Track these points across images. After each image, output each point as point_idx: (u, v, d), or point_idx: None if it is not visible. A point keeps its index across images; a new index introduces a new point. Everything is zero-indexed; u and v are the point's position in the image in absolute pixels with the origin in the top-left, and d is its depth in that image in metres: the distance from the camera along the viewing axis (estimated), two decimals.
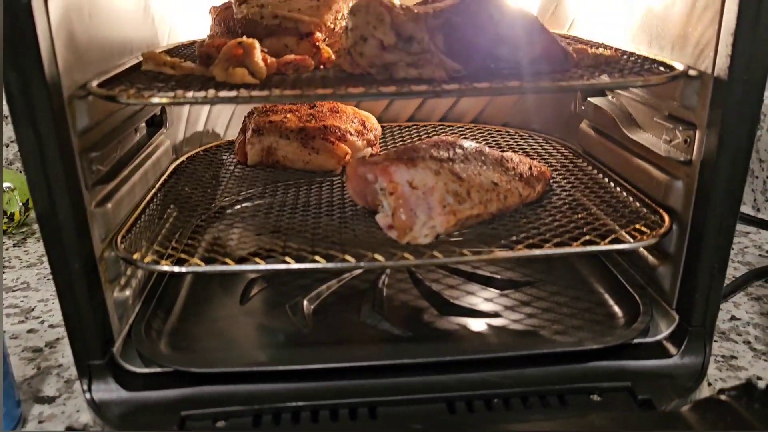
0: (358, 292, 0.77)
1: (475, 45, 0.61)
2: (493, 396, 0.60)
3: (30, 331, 0.84)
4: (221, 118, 1.04)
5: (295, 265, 0.59)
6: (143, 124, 0.79)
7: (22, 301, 0.91)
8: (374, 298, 0.75)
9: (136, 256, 0.62)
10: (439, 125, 1.06)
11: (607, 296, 0.75)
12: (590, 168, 0.85)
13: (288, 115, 0.89)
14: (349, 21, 0.62)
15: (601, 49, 0.69)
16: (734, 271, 0.96)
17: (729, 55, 0.56)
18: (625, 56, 0.69)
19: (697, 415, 0.52)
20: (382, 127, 1.01)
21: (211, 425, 0.59)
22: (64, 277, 0.58)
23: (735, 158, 0.58)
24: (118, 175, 0.67)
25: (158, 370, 0.64)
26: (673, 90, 0.65)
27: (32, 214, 1.22)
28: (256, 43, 0.63)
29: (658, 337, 0.66)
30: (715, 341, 0.77)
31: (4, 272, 1.00)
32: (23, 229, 1.18)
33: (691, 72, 0.61)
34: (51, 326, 0.85)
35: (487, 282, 0.78)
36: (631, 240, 0.64)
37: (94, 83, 0.59)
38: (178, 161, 0.91)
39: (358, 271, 0.81)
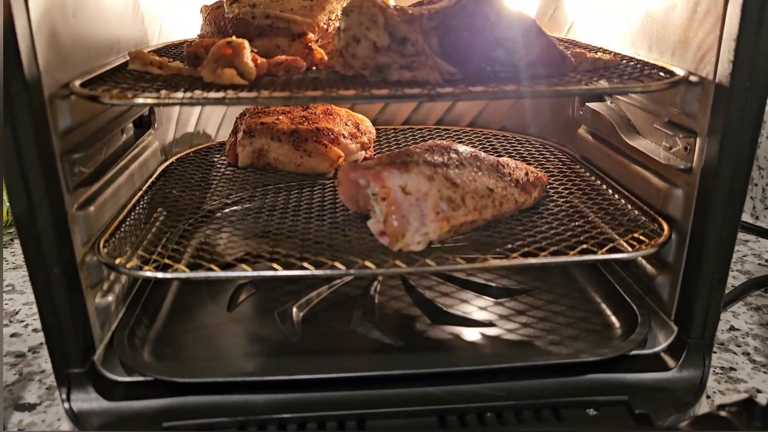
0: (350, 299, 0.75)
1: (470, 47, 0.60)
2: (485, 409, 0.59)
3: (13, 335, 0.82)
4: (212, 119, 1.02)
5: (282, 272, 0.57)
6: (130, 125, 0.77)
7: (6, 304, 0.89)
8: (365, 305, 0.73)
9: (118, 261, 0.60)
10: (435, 129, 1.05)
11: (604, 305, 0.73)
12: (588, 174, 0.83)
13: (280, 117, 0.87)
14: (341, 22, 0.60)
15: (600, 54, 0.68)
16: (733, 280, 0.94)
17: (731, 61, 0.54)
18: (624, 61, 0.67)
19: (698, 429, 0.50)
20: (377, 130, 0.99)
21: None
22: (43, 282, 0.56)
23: (736, 167, 0.57)
24: (103, 177, 0.65)
25: (141, 378, 0.62)
26: (673, 96, 0.63)
27: None
28: (246, 43, 0.61)
29: (656, 348, 0.65)
30: (714, 352, 0.75)
31: None
32: (11, 230, 1.16)
33: (692, 78, 0.60)
34: (35, 330, 0.83)
35: (481, 290, 0.77)
36: (629, 249, 0.62)
37: (77, 83, 0.57)
38: (167, 162, 0.89)
39: (350, 277, 0.79)
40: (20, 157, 0.52)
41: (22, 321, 0.85)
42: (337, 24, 0.68)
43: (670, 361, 0.63)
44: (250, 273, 0.57)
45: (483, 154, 0.71)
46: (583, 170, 0.85)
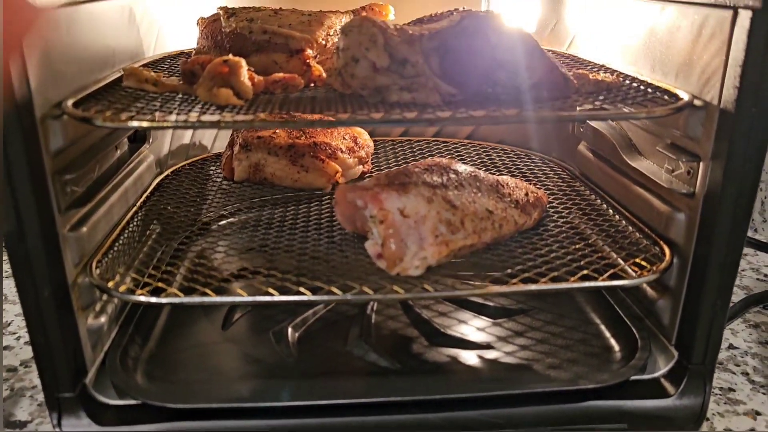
0: (346, 318, 0.74)
1: (471, 68, 0.59)
2: None
3: (5, 348, 0.80)
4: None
5: (278, 298, 0.56)
6: (125, 140, 0.76)
7: None
8: (362, 325, 0.72)
9: (110, 284, 0.59)
10: (434, 141, 1.04)
11: (603, 327, 0.72)
12: (588, 193, 0.82)
13: (277, 131, 0.86)
14: (340, 41, 0.59)
15: (602, 73, 0.67)
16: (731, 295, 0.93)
17: (737, 87, 0.53)
18: (627, 81, 0.66)
19: None
20: (375, 141, 0.98)
21: None
22: (33, 304, 0.55)
23: (740, 193, 0.56)
24: (96, 196, 0.64)
25: (134, 402, 0.60)
26: (676, 119, 0.62)
27: None
28: (243, 62, 0.60)
29: (656, 374, 0.64)
30: None
31: None
32: None
33: (697, 102, 0.59)
34: (27, 343, 0.81)
35: (479, 310, 0.76)
36: (633, 275, 0.61)
37: (70, 102, 0.56)
38: (162, 176, 0.88)
39: None
40: (10, 178, 0.51)
41: (14, 333, 0.84)
42: (336, 40, 0.67)
43: (670, 388, 0.62)
44: (246, 298, 0.56)
45: (482, 174, 0.70)
46: (583, 188, 0.84)
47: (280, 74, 0.64)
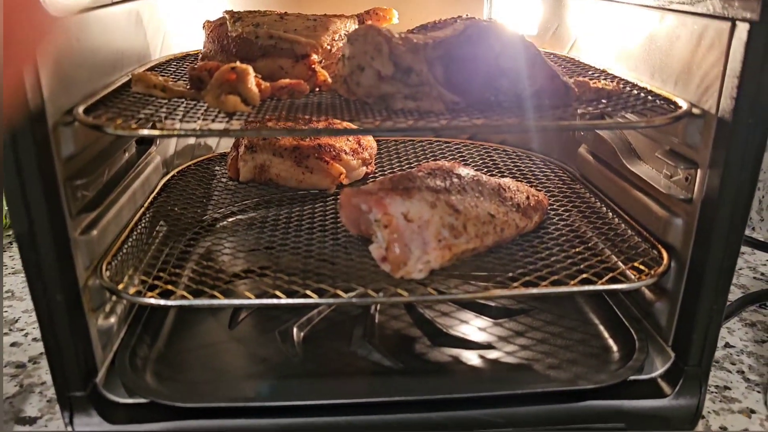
0: (350, 318, 0.75)
1: (474, 76, 0.60)
2: None
3: (13, 344, 0.81)
4: None
5: (285, 301, 0.57)
6: (133, 143, 0.77)
7: (6, 311, 0.89)
8: (366, 325, 0.73)
9: (120, 286, 0.60)
10: (436, 141, 1.05)
11: (602, 328, 0.74)
12: (588, 195, 0.83)
13: None
14: (346, 49, 0.60)
15: (603, 79, 0.68)
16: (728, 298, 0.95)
17: (734, 97, 0.54)
18: (627, 88, 0.67)
19: None
20: (378, 142, 0.99)
21: None
22: (45, 307, 0.57)
23: (737, 200, 0.57)
24: (105, 199, 0.65)
25: (143, 400, 0.62)
26: (675, 127, 0.63)
27: None
28: (250, 69, 0.61)
29: (653, 374, 0.65)
30: None
31: None
32: (9, 233, 1.16)
33: (695, 110, 0.60)
34: (35, 339, 0.82)
35: (481, 310, 0.77)
36: (632, 278, 0.63)
37: (81, 109, 0.57)
38: (168, 176, 0.89)
39: None
40: (23, 185, 0.52)
41: (22, 329, 0.85)
42: (341, 45, 0.68)
43: (667, 388, 0.64)
44: (253, 301, 0.57)
45: (485, 178, 0.71)
46: (583, 190, 0.85)
47: (286, 80, 0.65)
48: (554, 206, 0.79)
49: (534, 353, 0.69)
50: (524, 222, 0.69)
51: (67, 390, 0.60)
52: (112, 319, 0.66)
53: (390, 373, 0.66)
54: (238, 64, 0.61)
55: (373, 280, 0.61)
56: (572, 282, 0.61)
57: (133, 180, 0.74)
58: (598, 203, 0.80)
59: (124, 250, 0.66)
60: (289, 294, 0.58)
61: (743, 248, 1.11)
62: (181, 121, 0.55)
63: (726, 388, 0.74)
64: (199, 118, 0.55)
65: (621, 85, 0.67)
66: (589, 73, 0.76)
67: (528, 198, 0.72)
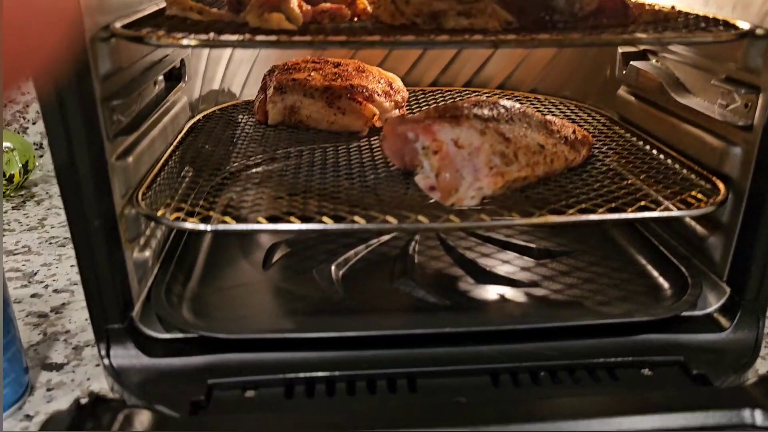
0: (388, 259, 0.73)
1: None
2: (539, 368, 0.57)
3: (33, 295, 0.79)
4: (238, 77, 0.98)
5: (333, 225, 0.55)
6: (161, 78, 0.74)
7: (23, 265, 0.87)
8: (406, 264, 0.71)
9: (160, 213, 0.57)
10: (465, 90, 1.02)
11: (649, 267, 0.72)
12: (630, 135, 0.81)
13: (312, 74, 0.84)
14: None
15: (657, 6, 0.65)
16: None
17: None
18: (682, 14, 0.65)
19: (764, 390, 0.49)
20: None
21: (240, 395, 0.55)
22: (83, 235, 0.54)
23: None
24: (139, 127, 0.62)
25: (180, 336, 0.60)
26: (733, 51, 0.61)
27: (31, 177, 1.18)
28: None
29: (708, 310, 0.63)
30: None
31: (4, 235, 0.95)
32: (22, 192, 1.13)
33: (759, 31, 0.57)
34: (55, 291, 0.80)
35: (522, 251, 0.75)
36: (684, 208, 0.60)
37: (118, 24, 0.54)
38: (194, 120, 0.87)
39: (387, 237, 0.77)
40: (61, 104, 0.50)
41: (41, 282, 0.83)
42: None
43: (725, 322, 0.62)
44: (300, 226, 0.55)
45: (531, 110, 0.68)
46: (624, 132, 0.82)
47: (327, 4, 0.63)
48: (598, 146, 0.77)
49: (582, 291, 0.67)
50: (573, 155, 0.67)
51: (104, 322, 0.57)
52: (147, 253, 0.63)
53: (436, 309, 0.64)
54: None
55: (422, 210, 0.58)
56: (630, 209, 0.58)
57: (163, 115, 0.71)
58: (641, 142, 0.78)
59: (159, 182, 0.64)
60: (336, 220, 0.56)
61: None
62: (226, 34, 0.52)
63: None
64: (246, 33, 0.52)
65: (676, 12, 0.65)
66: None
67: (574, 132, 0.69)
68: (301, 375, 0.55)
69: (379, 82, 0.85)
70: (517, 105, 0.68)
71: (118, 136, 0.57)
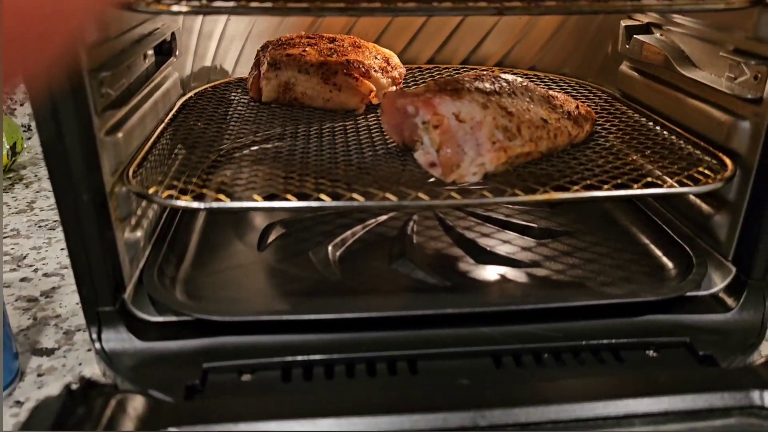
0: (386, 239, 0.71)
1: None
2: (542, 350, 0.56)
3: (23, 279, 0.77)
4: (230, 53, 0.96)
5: (332, 203, 0.53)
6: (151, 52, 0.72)
7: (12, 249, 0.85)
8: (404, 245, 0.69)
9: (151, 190, 0.55)
10: (462, 68, 1.00)
11: (653, 247, 0.70)
12: (632, 112, 0.79)
13: (307, 49, 0.81)
14: None
15: None
16: None
17: None
18: None
19: None
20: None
21: (237, 378, 0.53)
22: (72, 212, 0.52)
23: None
24: (129, 102, 0.60)
25: (173, 318, 0.58)
26: (743, 21, 0.59)
27: (20, 159, 1.15)
28: None
29: (713, 290, 0.62)
30: None
31: None
32: (10, 175, 1.11)
33: None
34: (45, 275, 0.78)
35: (522, 230, 0.73)
36: (692, 183, 0.59)
37: None
38: (186, 97, 0.84)
39: (384, 217, 0.75)
40: (47, 74, 0.47)
41: (31, 265, 0.81)
42: None
43: (731, 302, 0.60)
44: (296, 204, 0.53)
45: (533, 85, 0.66)
46: (626, 108, 0.81)
47: None
48: (600, 122, 0.75)
49: (584, 272, 0.66)
50: (576, 130, 0.65)
51: (95, 304, 0.55)
52: (138, 233, 0.61)
53: (436, 290, 0.62)
54: None
55: (422, 187, 0.56)
56: (636, 185, 0.56)
57: (153, 90, 0.69)
58: (644, 119, 0.76)
59: (150, 159, 0.62)
60: (334, 198, 0.54)
61: None
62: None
63: None
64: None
65: None
66: None
67: (577, 107, 0.67)
68: (299, 358, 0.54)
69: (376, 58, 0.83)
70: (519, 79, 0.66)
71: (107, 110, 0.55)
